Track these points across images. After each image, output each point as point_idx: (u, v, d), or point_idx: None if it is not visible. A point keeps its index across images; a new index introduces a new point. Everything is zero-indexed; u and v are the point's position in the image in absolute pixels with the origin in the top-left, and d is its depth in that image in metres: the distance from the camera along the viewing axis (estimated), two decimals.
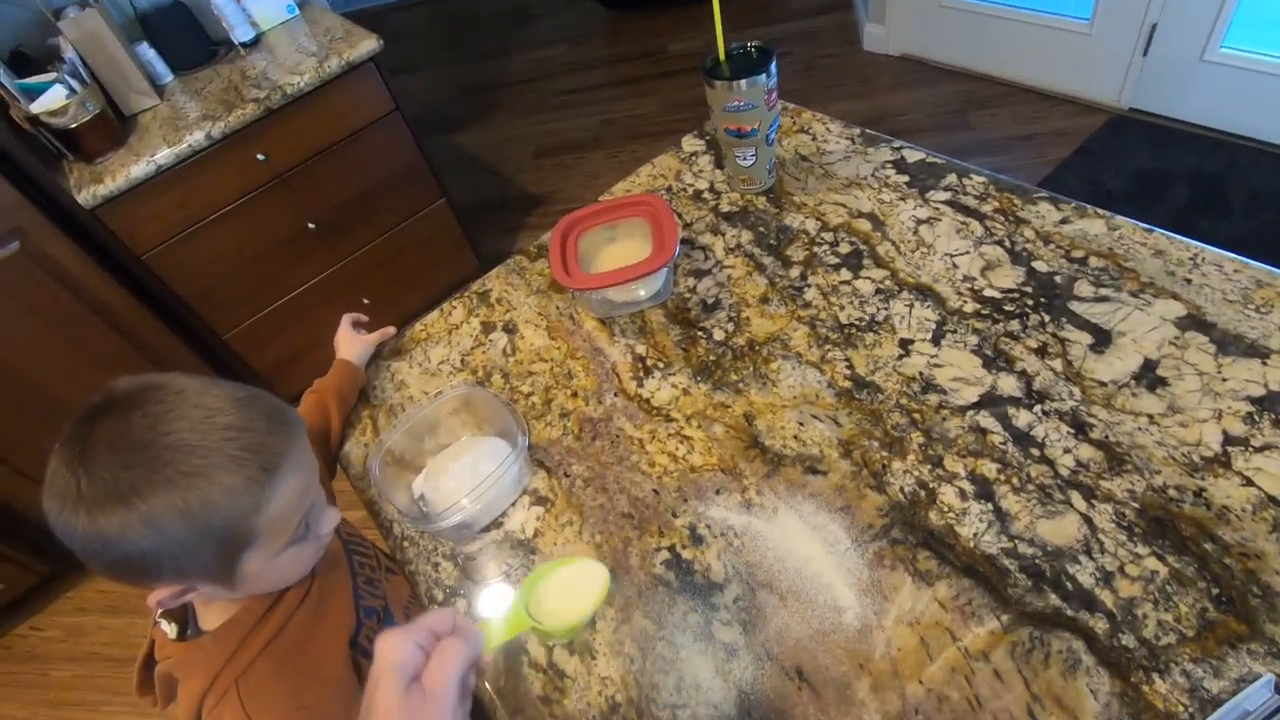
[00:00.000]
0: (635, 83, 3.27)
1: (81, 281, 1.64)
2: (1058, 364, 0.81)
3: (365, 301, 2.16)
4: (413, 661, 0.46)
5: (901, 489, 0.75)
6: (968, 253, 0.95)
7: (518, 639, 0.72)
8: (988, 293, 0.90)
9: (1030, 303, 0.87)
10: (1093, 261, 0.89)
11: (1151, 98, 2.30)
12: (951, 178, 1.05)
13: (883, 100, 2.73)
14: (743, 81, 0.98)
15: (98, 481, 0.51)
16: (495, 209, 2.86)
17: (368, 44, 1.80)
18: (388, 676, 0.44)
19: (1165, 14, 2.12)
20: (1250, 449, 0.70)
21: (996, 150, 2.39)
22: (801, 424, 0.83)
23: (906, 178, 1.07)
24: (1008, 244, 0.94)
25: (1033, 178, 2.19)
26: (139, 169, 1.59)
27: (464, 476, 0.84)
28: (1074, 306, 0.85)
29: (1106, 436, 0.74)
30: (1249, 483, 0.68)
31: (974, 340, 0.85)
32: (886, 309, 0.91)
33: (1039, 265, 0.91)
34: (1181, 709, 0.57)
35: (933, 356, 0.85)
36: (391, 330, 1.08)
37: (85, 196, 1.56)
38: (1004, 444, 0.76)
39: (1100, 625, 0.62)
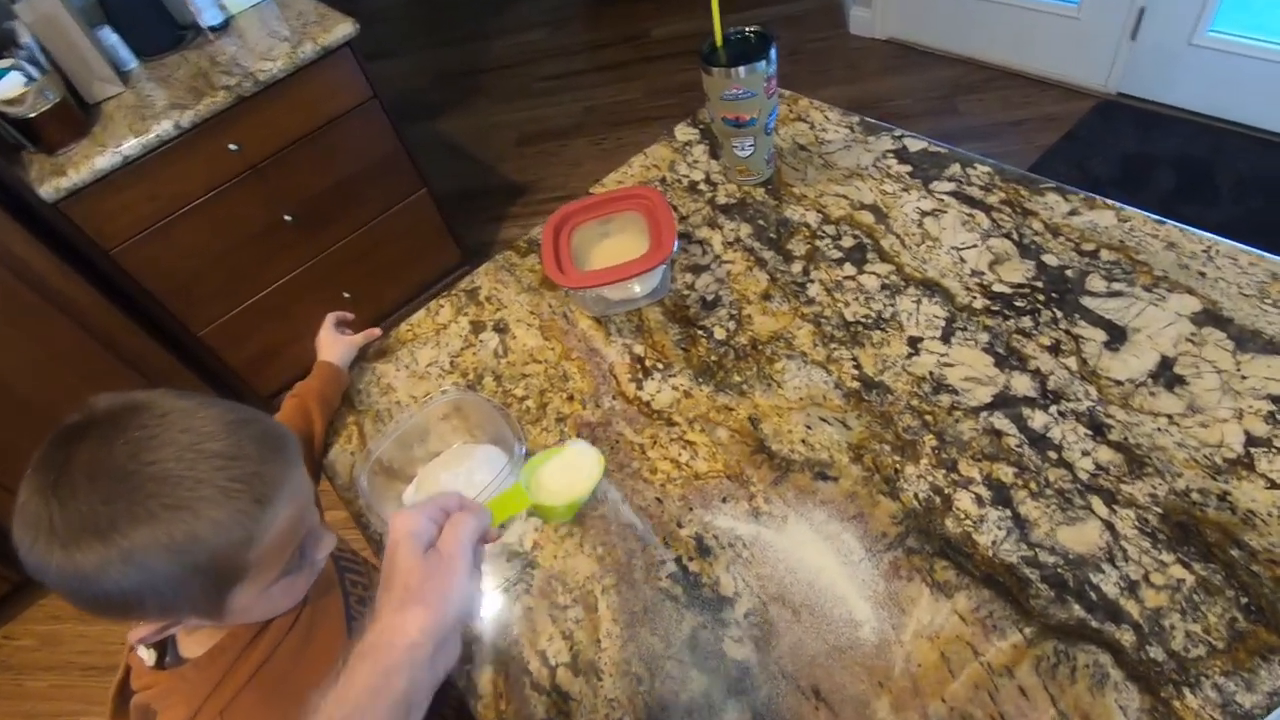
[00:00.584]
0: (618, 68, 3.21)
1: (46, 278, 1.57)
2: (1072, 362, 0.78)
3: (345, 295, 2.10)
4: (427, 531, 0.48)
5: (916, 495, 0.72)
6: (975, 246, 0.92)
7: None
8: (997, 288, 0.87)
9: (1041, 298, 0.85)
10: (1104, 255, 0.87)
11: (1139, 82, 2.29)
12: (955, 168, 1.02)
13: (871, 86, 2.69)
14: (741, 68, 0.94)
15: (73, 514, 0.47)
16: (477, 198, 2.80)
17: (343, 28, 1.73)
18: (405, 543, 0.46)
19: None
20: (1274, 450, 0.68)
21: (985, 136, 2.37)
22: (809, 427, 0.79)
23: (909, 168, 1.04)
24: (1016, 237, 0.91)
25: (1021, 163, 2.16)
26: (104, 160, 1.51)
27: (458, 487, 0.80)
28: (1086, 302, 0.83)
29: (1125, 438, 0.71)
30: (1273, 485, 0.66)
31: (985, 338, 0.83)
32: (893, 305, 0.88)
33: (1049, 259, 0.88)
34: None
35: (943, 355, 0.82)
36: (376, 332, 1.03)
37: (47, 190, 1.48)
38: (1020, 446, 0.73)
39: (1127, 637, 0.60)
